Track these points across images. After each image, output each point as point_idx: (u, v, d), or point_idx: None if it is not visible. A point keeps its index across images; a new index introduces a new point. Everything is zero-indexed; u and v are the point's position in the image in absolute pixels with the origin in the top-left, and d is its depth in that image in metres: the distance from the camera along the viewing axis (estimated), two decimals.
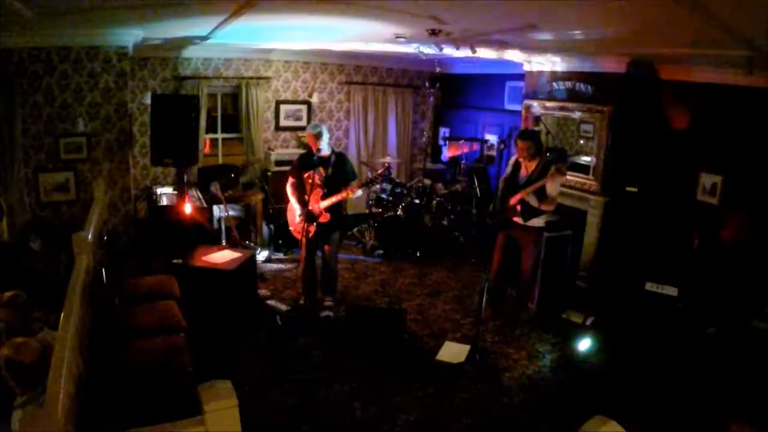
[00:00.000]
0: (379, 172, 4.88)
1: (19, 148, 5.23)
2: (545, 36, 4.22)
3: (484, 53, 5.49)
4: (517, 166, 4.73)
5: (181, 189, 5.48)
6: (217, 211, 6.15)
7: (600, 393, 3.86)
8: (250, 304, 5.06)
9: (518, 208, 4.56)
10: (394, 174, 7.80)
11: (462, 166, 7.46)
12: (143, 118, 6.49)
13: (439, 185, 7.27)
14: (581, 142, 6.00)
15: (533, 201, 4.50)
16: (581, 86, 5.62)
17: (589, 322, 4.95)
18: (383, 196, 6.76)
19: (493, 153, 7.56)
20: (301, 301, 5.11)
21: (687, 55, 4.40)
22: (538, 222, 4.64)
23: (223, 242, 6.00)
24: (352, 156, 8.09)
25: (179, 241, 5.26)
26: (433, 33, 4.09)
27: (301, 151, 6.41)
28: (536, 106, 6.22)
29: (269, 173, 7.13)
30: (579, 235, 5.62)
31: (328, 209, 4.70)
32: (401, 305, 5.24)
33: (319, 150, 4.63)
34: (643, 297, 4.46)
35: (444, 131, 8.70)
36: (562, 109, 5.90)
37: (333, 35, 5.42)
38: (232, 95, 7.53)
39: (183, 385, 2.89)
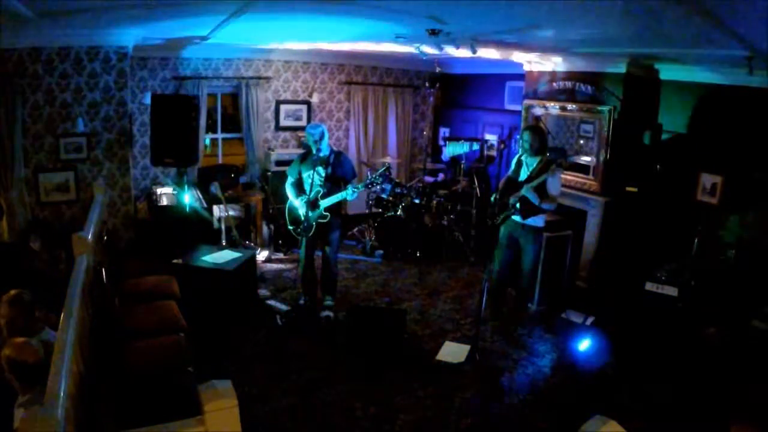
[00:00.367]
0: (379, 172, 4.87)
1: (19, 148, 5.23)
2: (545, 36, 4.22)
3: (485, 53, 5.49)
4: (519, 164, 4.73)
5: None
6: (217, 211, 6.15)
7: (600, 393, 3.86)
8: (250, 304, 5.07)
9: (518, 205, 4.55)
10: (393, 174, 7.81)
11: (462, 165, 7.47)
12: (143, 118, 6.49)
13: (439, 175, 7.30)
14: (581, 142, 6.00)
15: (534, 197, 4.49)
16: (581, 86, 5.62)
17: (589, 322, 4.95)
18: (383, 196, 6.76)
19: (493, 153, 7.56)
20: (302, 301, 5.12)
21: (687, 55, 4.40)
22: (537, 222, 4.64)
23: (223, 242, 6.00)
24: (352, 156, 8.09)
25: (179, 241, 5.27)
26: (433, 33, 4.09)
27: (301, 151, 6.41)
28: (536, 106, 6.22)
29: (269, 173, 7.13)
30: (579, 235, 5.62)
31: (328, 209, 4.70)
32: (401, 305, 5.24)
33: (319, 150, 4.63)
34: (643, 297, 4.46)
35: (444, 131, 8.70)
36: (562, 109, 5.90)
37: (333, 35, 5.41)
38: (232, 95, 7.54)
39: (183, 385, 2.89)
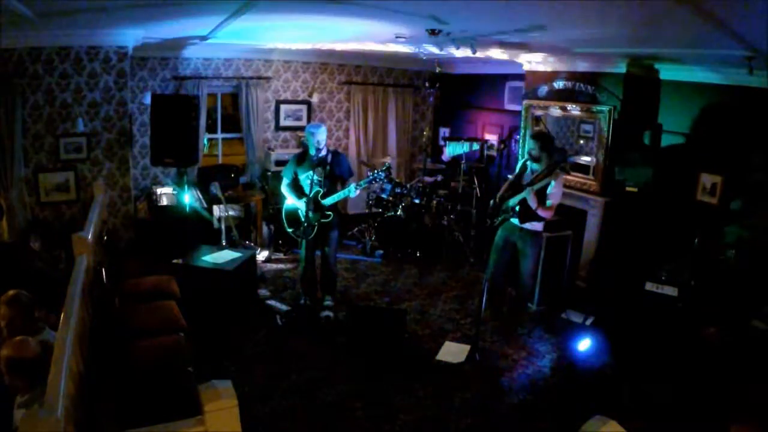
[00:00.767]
0: (382, 168, 4.85)
1: (19, 148, 5.23)
2: (546, 36, 4.22)
3: (485, 53, 5.49)
4: (524, 168, 4.72)
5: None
6: (217, 211, 6.15)
7: (600, 393, 3.86)
8: (250, 304, 5.07)
9: (516, 208, 4.54)
10: (393, 174, 7.80)
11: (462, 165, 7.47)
12: (143, 118, 6.50)
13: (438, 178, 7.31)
14: (581, 142, 6.00)
15: (532, 201, 4.49)
16: (581, 86, 5.62)
17: (589, 322, 4.95)
18: (383, 196, 6.76)
19: (493, 153, 7.56)
20: (302, 301, 5.12)
21: (687, 55, 4.40)
22: (536, 226, 4.62)
23: (223, 242, 6.00)
24: (352, 156, 8.09)
25: (179, 241, 5.27)
26: (433, 33, 4.09)
27: (300, 151, 6.41)
28: (536, 106, 6.22)
29: (269, 173, 7.13)
30: (579, 235, 5.62)
31: (330, 208, 4.70)
32: (401, 305, 5.24)
33: (319, 150, 4.63)
34: (643, 297, 4.46)
35: (444, 131, 8.70)
36: (562, 109, 5.90)
37: (333, 35, 5.41)
38: (232, 95, 7.54)
39: (183, 385, 2.89)
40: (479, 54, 4.90)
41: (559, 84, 5.88)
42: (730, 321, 4.15)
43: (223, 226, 6.13)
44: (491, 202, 4.86)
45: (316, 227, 4.73)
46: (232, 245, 5.68)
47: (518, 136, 6.57)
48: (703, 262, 4.54)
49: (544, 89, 6.09)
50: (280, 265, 6.29)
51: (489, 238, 5.07)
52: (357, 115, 8.13)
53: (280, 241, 6.64)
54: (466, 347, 4.46)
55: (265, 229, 6.70)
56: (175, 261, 4.81)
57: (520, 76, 6.62)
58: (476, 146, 7.52)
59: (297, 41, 6.32)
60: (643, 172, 5.18)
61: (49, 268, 5.01)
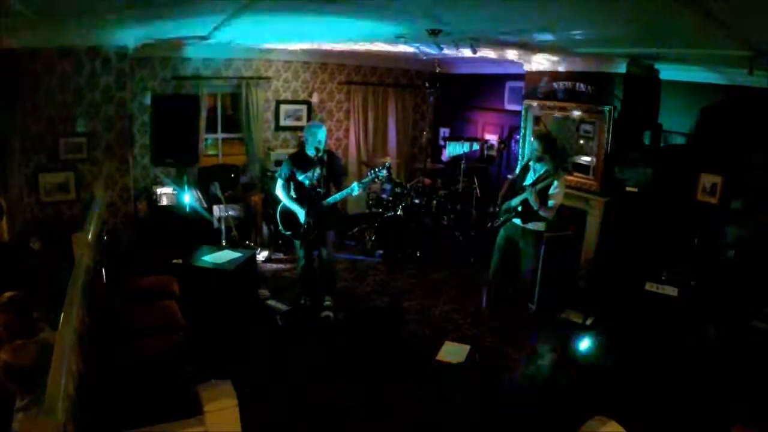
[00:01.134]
0: (384, 166, 4.84)
1: (19, 148, 5.23)
2: (546, 36, 4.22)
3: (485, 53, 5.49)
4: (526, 169, 4.72)
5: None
6: (217, 211, 6.15)
7: (600, 393, 3.86)
8: (250, 304, 5.07)
9: (519, 208, 4.55)
10: (393, 174, 7.80)
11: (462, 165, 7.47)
12: (143, 118, 6.49)
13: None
14: (581, 142, 6.00)
15: (534, 201, 4.49)
16: (581, 86, 5.61)
17: (589, 322, 4.95)
18: (383, 196, 6.76)
19: (493, 153, 7.56)
20: (302, 301, 5.11)
21: (687, 55, 4.40)
22: (537, 226, 4.63)
23: (223, 242, 6.00)
24: (352, 156, 8.10)
25: (179, 241, 5.27)
26: (433, 33, 4.09)
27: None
28: (536, 106, 6.22)
29: (269, 173, 7.13)
30: (579, 235, 5.61)
31: (331, 207, 4.70)
32: (401, 305, 5.23)
33: (319, 150, 4.61)
34: (643, 297, 4.46)
35: (444, 131, 8.69)
36: (562, 109, 5.90)
37: (333, 35, 5.41)
38: (232, 95, 7.53)
39: (183, 385, 2.90)
40: (479, 54, 4.90)
41: (559, 84, 5.88)
42: (731, 321, 4.15)
43: (223, 226, 6.13)
44: (491, 208, 4.87)
45: (315, 230, 4.71)
46: (232, 245, 5.68)
47: (518, 136, 6.57)
48: (703, 262, 4.55)
49: (544, 89, 6.09)
50: (280, 265, 6.29)
51: (489, 238, 5.07)
52: (357, 115, 8.12)
53: (280, 241, 6.63)
54: (466, 347, 4.46)
55: (265, 229, 6.70)
56: (175, 261, 4.81)
57: (520, 76, 6.61)
58: (476, 146, 7.53)
59: (297, 41, 6.31)
60: (643, 172, 5.18)
61: (49, 268, 5.00)
